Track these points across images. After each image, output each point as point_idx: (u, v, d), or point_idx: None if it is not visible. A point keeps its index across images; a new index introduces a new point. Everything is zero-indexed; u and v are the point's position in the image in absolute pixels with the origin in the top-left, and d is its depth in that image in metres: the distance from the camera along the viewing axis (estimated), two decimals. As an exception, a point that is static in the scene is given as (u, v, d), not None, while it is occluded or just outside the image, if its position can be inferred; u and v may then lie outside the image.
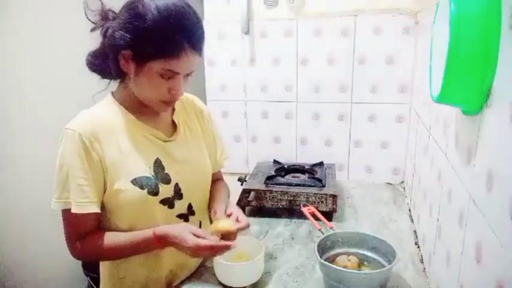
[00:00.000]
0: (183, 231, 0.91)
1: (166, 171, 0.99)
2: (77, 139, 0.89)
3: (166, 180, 0.99)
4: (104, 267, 1.06)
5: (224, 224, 0.96)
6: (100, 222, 0.97)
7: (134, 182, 0.93)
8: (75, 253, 0.95)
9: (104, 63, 0.95)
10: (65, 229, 0.95)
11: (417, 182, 1.32)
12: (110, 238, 0.94)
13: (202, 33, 0.91)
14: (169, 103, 0.96)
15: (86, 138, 0.89)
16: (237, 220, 0.99)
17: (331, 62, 1.67)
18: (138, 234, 0.94)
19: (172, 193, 1.00)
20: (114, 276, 1.04)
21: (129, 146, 0.95)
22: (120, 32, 0.87)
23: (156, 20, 0.84)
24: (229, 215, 1.01)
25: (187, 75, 0.94)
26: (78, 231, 0.93)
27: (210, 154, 1.15)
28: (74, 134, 0.89)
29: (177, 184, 1.00)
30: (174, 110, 1.08)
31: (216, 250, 0.91)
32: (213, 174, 1.18)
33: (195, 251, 0.89)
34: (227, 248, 0.91)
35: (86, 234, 0.94)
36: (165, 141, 1.01)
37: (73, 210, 0.89)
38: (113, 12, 0.93)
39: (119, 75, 0.96)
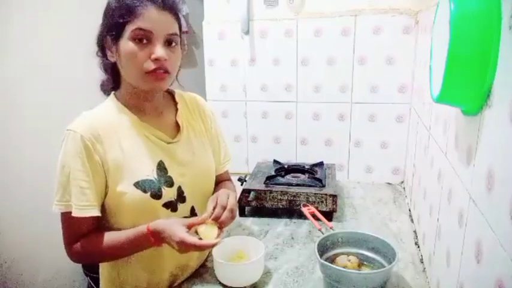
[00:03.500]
0: (172, 225, 0.88)
1: (169, 174, 0.98)
2: (79, 141, 0.88)
3: (170, 183, 0.97)
4: (104, 270, 1.05)
5: (205, 235, 0.91)
6: (100, 225, 0.96)
7: (137, 185, 0.92)
8: (73, 256, 0.94)
9: (107, 79, 0.99)
10: (64, 232, 0.94)
11: (417, 182, 1.32)
12: (106, 238, 0.92)
13: None
14: (155, 75, 0.90)
15: (87, 139, 0.88)
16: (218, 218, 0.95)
17: (331, 62, 1.67)
18: (133, 231, 0.91)
19: (175, 196, 0.99)
20: (115, 280, 1.03)
21: (132, 147, 0.94)
22: (99, 28, 0.94)
23: None
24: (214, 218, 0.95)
25: (169, 42, 0.91)
26: (76, 234, 0.92)
27: (214, 155, 1.14)
28: (75, 136, 0.88)
29: (180, 187, 0.99)
30: (177, 110, 1.07)
31: (200, 248, 0.88)
32: (220, 176, 1.17)
33: (181, 245, 0.86)
34: (212, 246, 0.89)
35: (83, 237, 0.93)
36: (168, 142, 1.00)
37: (74, 214, 0.88)
38: None
39: (116, 73, 0.97)
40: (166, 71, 0.91)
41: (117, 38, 0.90)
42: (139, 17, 0.87)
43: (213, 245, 0.89)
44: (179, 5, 0.95)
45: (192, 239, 0.86)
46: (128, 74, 0.93)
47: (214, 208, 0.95)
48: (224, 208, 0.95)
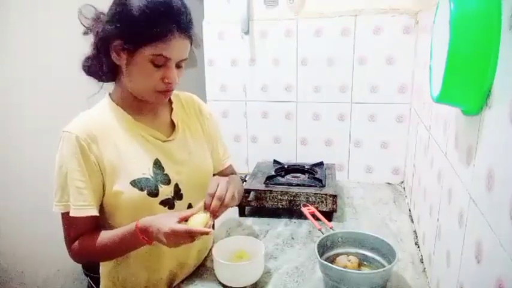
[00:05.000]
0: (160, 218, 0.87)
1: (165, 171, 0.98)
2: (74, 141, 0.89)
3: (166, 181, 0.98)
4: (104, 269, 1.06)
5: (194, 223, 0.89)
6: (99, 224, 0.97)
7: (133, 183, 0.93)
8: (74, 256, 0.95)
9: (98, 64, 0.94)
10: (64, 232, 0.95)
11: (417, 182, 1.32)
12: (101, 237, 0.92)
13: (190, 17, 0.91)
14: (164, 93, 0.94)
15: (83, 140, 0.89)
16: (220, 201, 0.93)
17: (331, 62, 1.67)
18: (124, 229, 0.91)
19: (172, 194, 0.99)
20: (114, 279, 1.04)
21: (128, 147, 0.95)
22: (109, 24, 0.89)
23: (142, 5, 0.85)
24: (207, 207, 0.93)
25: (179, 65, 0.93)
26: (76, 233, 0.93)
27: (213, 153, 1.15)
28: (71, 137, 0.89)
29: (177, 185, 1.00)
30: (172, 109, 1.07)
31: (193, 235, 0.85)
32: (222, 172, 1.17)
33: (171, 236, 0.83)
34: (204, 233, 0.85)
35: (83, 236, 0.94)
36: (164, 141, 1.01)
37: (72, 214, 0.89)
38: (105, 15, 0.93)
39: (113, 72, 0.96)
40: (172, 89, 0.94)
41: (132, 48, 0.87)
42: (164, 43, 0.86)
43: (206, 233, 0.86)
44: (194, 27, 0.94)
45: (182, 226, 0.84)
46: (134, 86, 0.94)
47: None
48: (213, 196, 0.92)
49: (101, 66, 0.94)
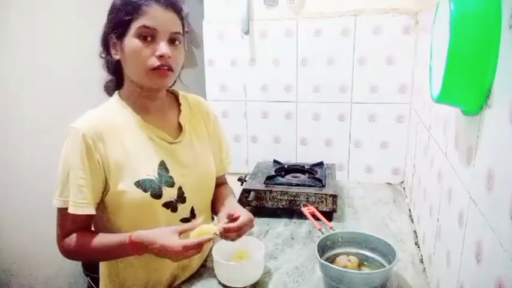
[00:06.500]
0: (164, 236, 0.87)
1: (170, 174, 0.98)
2: (80, 138, 0.89)
3: (170, 183, 0.98)
4: (104, 269, 1.06)
5: (202, 230, 0.92)
6: (101, 223, 0.97)
7: (137, 184, 0.93)
8: (64, 251, 0.95)
9: (112, 78, 1.00)
10: (58, 226, 0.95)
11: (417, 182, 1.32)
12: (95, 239, 0.92)
13: None
14: (160, 71, 0.91)
15: (89, 138, 0.89)
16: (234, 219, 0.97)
17: (331, 62, 1.67)
18: (117, 237, 0.91)
19: (175, 197, 0.99)
20: (115, 279, 1.04)
21: (134, 147, 0.95)
22: (104, 28, 0.95)
23: None
24: (234, 219, 0.97)
25: (173, 41, 0.93)
26: (69, 230, 0.93)
27: (215, 157, 1.14)
28: (77, 133, 0.89)
29: (180, 187, 1.00)
30: (180, 111, 1.07)
31: (202, 246, 0.87)
32: (218, 178, 1.16)
33: (182, 252, 0.85)
34: (210, 239, 0.89)
35: (75, 233, 0.94)
36: (170, 143, 1.01)
37: (70, 210, 0.89)
38: None
39: (119, 72, 0.98)
40: (170, 68, 0.92)
41: (121, 35, 0.91)
42: (144, 15, 0.88)
43: (210, 239, 0.89)
44: (181, 4, 0.96)
45: (192, 240, 0.86)
46: (131, 71, 0.94)
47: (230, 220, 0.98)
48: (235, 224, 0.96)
49: (113, 79, 1.00)
